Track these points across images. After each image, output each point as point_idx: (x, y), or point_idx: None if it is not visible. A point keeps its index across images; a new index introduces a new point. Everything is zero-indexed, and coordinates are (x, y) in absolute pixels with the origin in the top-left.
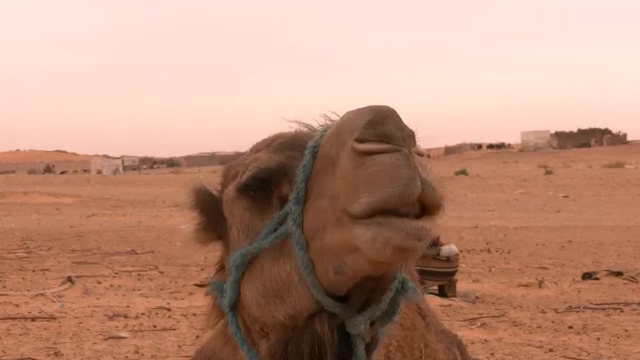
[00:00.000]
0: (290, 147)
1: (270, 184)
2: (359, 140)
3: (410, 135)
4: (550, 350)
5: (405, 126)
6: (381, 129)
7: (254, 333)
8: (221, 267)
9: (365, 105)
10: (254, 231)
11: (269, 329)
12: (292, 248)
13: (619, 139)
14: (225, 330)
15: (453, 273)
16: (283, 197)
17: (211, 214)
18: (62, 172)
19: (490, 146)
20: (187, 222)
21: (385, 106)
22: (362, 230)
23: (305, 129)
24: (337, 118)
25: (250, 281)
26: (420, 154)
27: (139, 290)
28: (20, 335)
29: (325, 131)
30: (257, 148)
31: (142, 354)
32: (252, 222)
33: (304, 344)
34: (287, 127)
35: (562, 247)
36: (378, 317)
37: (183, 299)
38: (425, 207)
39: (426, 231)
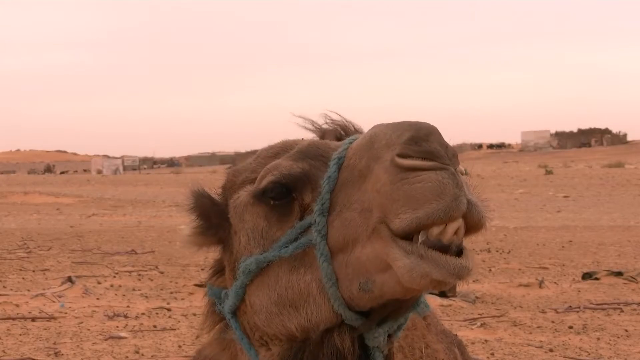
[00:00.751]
0: (312, 156)
1: (292, 191)
2: (401, 156)
3: (454, 154)
4: (550, 350)
5: (449, 145)
6: (426, 146)
7: (254, 341)
8: (217, 272)
9: (401, 121)
10: (269, 239)
11: (271, 338)
12: (314, 259)
13: (619, 139)
14: (222, 337)
15: None
16: (305, 206)
17: (211, 218)
18: (62, 172)
19: (490, 146)
20: (186, 223)
21: (427, 123)
22: (400, 254)
23: (310, 127)
24: (338, 118)
25: (262, 289)
26: (463, 174)
27: (139, 290)
28: (20, 335)
29: (351, 143)
30: (266, 154)
31: (142, 354)
32: (268, 229)
33: (324, 356)
34: (293, 122)
35: (562, 247)
36: (395, 330)
37: (183, 299)
38: (469, 227)
39: (468, 271)
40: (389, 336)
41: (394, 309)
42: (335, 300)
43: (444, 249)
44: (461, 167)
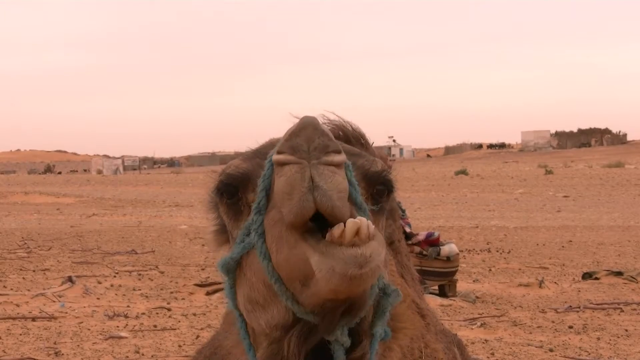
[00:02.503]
0: (261, 154)
1: (237, 191)
2: (278, 152)
3: (317, 147)
4: (550, 350)
5: (318, 139)
6: (292, 141)
7: (252, 340)
8: None
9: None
10: (234, 237)
11: (257, 336)
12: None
13: (619, 139)
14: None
15: (453, 273)
16: (250, 206)
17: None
18: (59, 173)
19: (490, 146)
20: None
21: (306, 118)
22: (310, 252)
23: None
24: (336, 118)
25: (240, 287)
26: (335, 164)
27: (139, 290)
28: (20, 335)
29: None
30: (248, 152)
31: (142, 354)
32: (232, 228)
33: (285, 354)
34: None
35: (562, 247)
36: (361, 323)
37: (183, 298)
38: (325, 214)
39: (365, 258)
40: (358, 329)
41: (346, 307)
42: (283, 296)
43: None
44: (333, 158)
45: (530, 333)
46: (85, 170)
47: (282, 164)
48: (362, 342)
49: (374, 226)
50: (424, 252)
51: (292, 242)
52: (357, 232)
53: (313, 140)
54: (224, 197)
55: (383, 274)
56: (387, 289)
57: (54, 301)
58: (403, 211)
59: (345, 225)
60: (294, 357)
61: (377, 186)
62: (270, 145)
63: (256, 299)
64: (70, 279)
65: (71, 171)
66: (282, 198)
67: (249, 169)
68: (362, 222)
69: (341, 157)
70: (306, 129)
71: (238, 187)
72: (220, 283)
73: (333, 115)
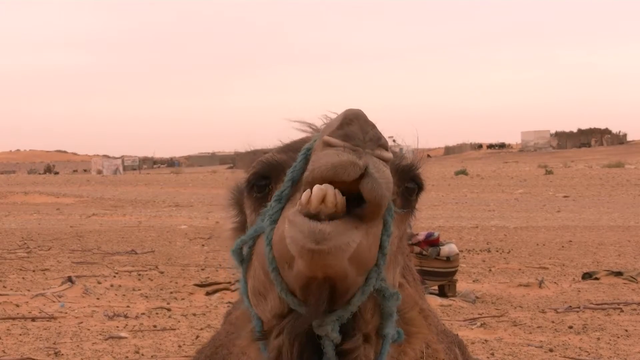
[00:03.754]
0: (294, 149)
1: (270, 181)
2: (330, 136)
3: (372, 139)
4: (550, 350)
5: (372, 130)
6: (346, 129)
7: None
8: None
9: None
10: None
11: (265, 327)
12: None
13: (619, 139)
14: None
15: (453, 273)
16: None
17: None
18: (56, 173)
19: (490, 146)
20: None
21: (355, 109)
22: (284, 219)
23: (308, 129)
24: None
25: (249, 278)
26: (385, 160)
27: (139, 290)
28: (20, 335)
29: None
30: (276, 149)
31: (142, 354)
32: (253, 222)
33: (274, 348)
34: (290, 126)
35: (562, 247)
36: (355, 320)
37: (183, 299)
38: (366, 201)
39: (324, 234)
40: (350, 327)
41: (329, 292)
42: (278, 286)
43: (316, 217)
44: (385, 153)
45: (530, 333)
46: (85, 171)
47: (332, 146)
48: (354, 337)
49: (344, 200)
50: (424, 252)
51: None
52: (324, 200)
53: (367, 131)
54: (253, 190)
55: (384, 276)
56: (386, 291)
57: (54, 301)
58: None
59: (312, 191)
60: (287, 348)
61: (407, 183)
62: (302, 141)
63: (259, 289)
64: (70, 279)
65: (74, 171)
66: (325, 165)
67: (284, 159)
68: (329, 189)
69: (390, 155)
70: (359, 119)
71: (270, 177)
72: (220, 283)
73: (334, 115)
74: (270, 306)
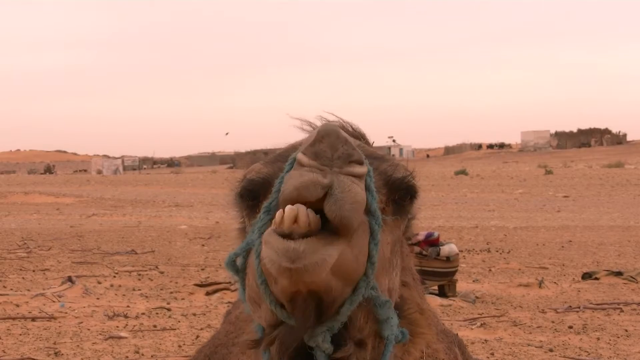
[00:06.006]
0: (283, 158)
1: (258, 195)
2: (303, 153)
3: (341, 156)
4: (550, 350)
5: (342, 147)
6: (316, 147)
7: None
8: None
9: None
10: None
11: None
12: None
13: (619, 139)
14: None
15: (453, 273)
16: None
17: None
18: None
19: (490, 146)
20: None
21: (328, 125)
22: (260, 243)
23: (308, 128)
24: (335, 119)
25: (246, 286)
26: (357, 175)
27: (139, 290)
28: (20, 335)
29: None
30: (270, 155)
31: (142, 354)
32: (249, 230)
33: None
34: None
35: (562, 247)
36: (348, 329)
37: (183, 299)
38: (332, 222)
39: (297, 253)
40: (342, 337)
41: (316, 303)
42: (265, 296)
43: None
44: (356, 169)
45: (530, 333)
46: (84, 171)
47: (303, 165)
48: (346, 346)
49: (318, 219)
50: (424, 252)
51: (269, 234)
52: (296, 220)
53: (337, 149)
54: (245, 201)
55: (375, 285)
56: (377, 300)
57: (54, 301)
58: None
59: (284, 212)
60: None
61: (399, 192)
62: (291, 148)
63: (254, 298)
64: (70, 279)
65: (74, 171)
66: (290, 185)
67: (269, 174)
68: (300, 209)
69: (363, 169)
70: (330, 136)
71: (259, 191)
72: (220, 283)
73: (332, 117)
74: (264, 315)
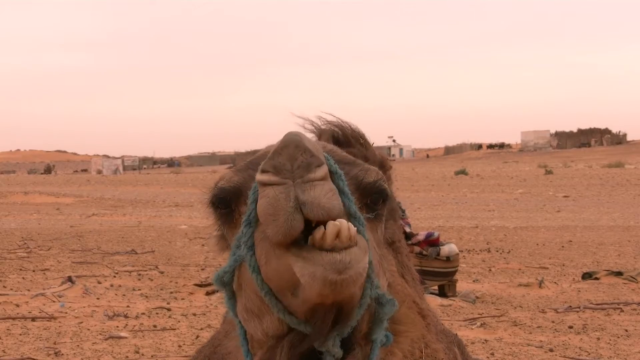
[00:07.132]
0: (254, 165)
1: (230, 203)
2: (262, 171)
3: (301, 165)
4: (550, 350)
5: (301, 156)
6: (275, 160)
7: (251, 347)
8: None
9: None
10: (230, 246)
11: (254, 343)
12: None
13: (619, 139)
14: None
15: (453, 273)
16: (243, 217)
17: None
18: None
19: (490, 146)
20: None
21: (289, 135)
22: (294, 259)
23: (309, 127)
24: (334, 119)
25: (238, 296)
26: (317, 179)
27: (139, 290)
28: (20, 335)
29: None
30: (242, 162)
31: (142, 354)
32: (228, 237)
33: None
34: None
35: (562, 247)
36: (354, 332)
37: (183, 299)
38: (320, 221)
39: (344, 264)
40: (350, 340)
41: (335, 313)
42: (274, 308)
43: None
44: (317, 172)
45: (530, 333)
46: (84, 171)
47: (265, 184)
48: (354, 350)
49: (355, 229)
50: (424, 252)
51: (279, 254)
52: (338, 235)
53: (296, 159)
54: (218, 209)
55: (378, 284)
56: (382, 298)
57: (54, 301)
58: (403, 211)
59: (325, 228)
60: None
61: (371, 196)
62: (264, 154)
63: (252, 309)
64: (70, 279)
65: (75, 171)
66: (267, 220)
67: (240, 182)
68: (342, 224)
69: (323, 171)
70: (288, 147)
71: (231, 199)
72: None
73: (331, 117)
74: (266, 327)
